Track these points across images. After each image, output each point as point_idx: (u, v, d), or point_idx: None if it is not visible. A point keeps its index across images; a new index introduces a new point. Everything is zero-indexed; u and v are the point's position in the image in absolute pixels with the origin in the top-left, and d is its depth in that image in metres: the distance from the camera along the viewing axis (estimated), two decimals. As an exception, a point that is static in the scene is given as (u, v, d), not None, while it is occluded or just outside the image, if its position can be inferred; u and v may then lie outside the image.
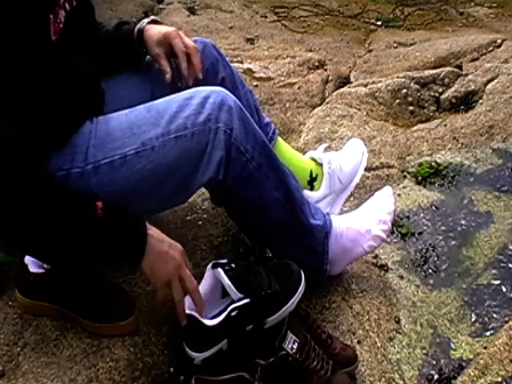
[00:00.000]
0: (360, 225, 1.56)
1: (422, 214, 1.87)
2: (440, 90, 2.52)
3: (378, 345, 1.45)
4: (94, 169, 1.24)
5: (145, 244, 1.17)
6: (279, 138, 1.72)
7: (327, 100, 2.56)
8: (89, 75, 1.32)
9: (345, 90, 2.61)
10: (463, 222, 1.83)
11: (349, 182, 1.74)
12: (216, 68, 1.61)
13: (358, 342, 1.45)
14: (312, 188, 1.70)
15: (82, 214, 1.14)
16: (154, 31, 1.49)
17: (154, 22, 1.51)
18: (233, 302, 1.25)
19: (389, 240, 1.79)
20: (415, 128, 2.33)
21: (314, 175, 1.70)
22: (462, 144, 2.15)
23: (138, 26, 1.49)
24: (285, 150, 1.73)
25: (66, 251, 1.16)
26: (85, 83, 1.28)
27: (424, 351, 1.46)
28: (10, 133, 1.08)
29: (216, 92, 1.31)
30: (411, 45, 3.27)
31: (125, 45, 1.48)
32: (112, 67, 1.48)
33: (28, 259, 1.30)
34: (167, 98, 1.32)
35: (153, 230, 1.20)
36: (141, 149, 1.25)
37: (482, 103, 2.37)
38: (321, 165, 1.71)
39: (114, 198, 1.19)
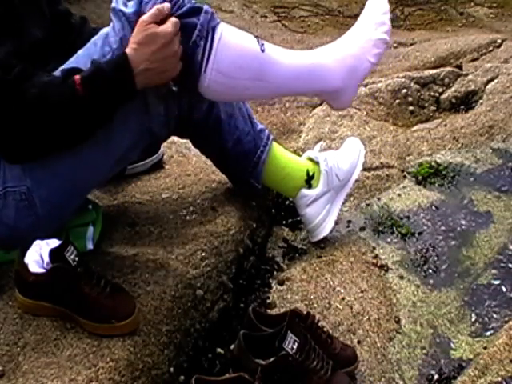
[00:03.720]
0: (359, 38, 1.52)
1: (422, 214, 1.87)
2: (440, 90, 2.52)
3: (378, 345, 1.45)
4: None
5: (133, 79, 1.30)
6: (274, 143, 1.73)
7: (327, 100, 2.55)
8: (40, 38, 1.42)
9: (345, 89, 2.61)
10: (463, 222, 1.83)
11: (347, 179, 1.75)
12: None
13: (358, 342, 1.45)
14: (310, 186, 1.71)
15: (63, 97, 1.28)
16: None
17: None
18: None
19: (389, 240, 1.79)
20: (415, 128, 2.33)
21: (310, 174, 1.71)
22: (462, 144, 2.15)
23: None
24: (280, 153, 1.73)
25: (64, 134, 1.32)
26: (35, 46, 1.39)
27: (424, 351, 1.46)
28: None
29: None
30: (411, 45, 3.27)
31: None
32: None
33: (28, 259, 1.30)
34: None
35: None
36: None
37: (482, 103, 2.37)
38: (318, 163, 1.72)
39: None
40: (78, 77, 1.28)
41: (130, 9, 1.34)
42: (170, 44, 1.31)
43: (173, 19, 1.32)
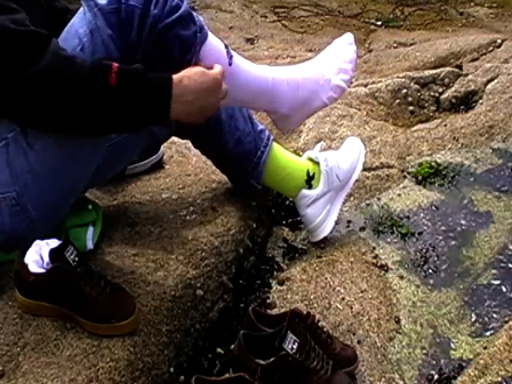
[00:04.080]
0: (319, 75, 1.52)
1: (422, 214, 1.87)
2: (440, 89, 2.52)
3: (378, 345, 1.45)
4: None
5: (169, 103, 1.24)
6: (274, 143, 1.73)
7: (327, 100, 2.55)
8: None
9: (345, 90, 2.61)
10: (463, 221, 1.83)
11: (348, 179, 1.75)
12: None
13: (358, 342, 1.45)
14: (310, 187, 1.71)
15: (95, 85, 1.20)
16: None
17: None
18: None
19: (389, 240, 1.79)
20: (415, 128, 2.33)
21: (311, 174, 1.71)
22: (462, 144, 2.15)
23: None
24: (280, 153, 1.74)
25: (87, 121, 1.24)
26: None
27: (424, 351, 1.46)
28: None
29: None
30: (411, 45, 3.27)
31: None
32: None
33: (28, 259, 1.30)
34: None
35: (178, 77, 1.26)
36: None
37: (482, 103, 2.37)
38: (318, 163, 1.72)
39: None
40: (116, 64, 1.21)
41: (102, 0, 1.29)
42: (216, 90, 1.31)
43: (220, 68, 1.32)
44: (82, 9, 1.31)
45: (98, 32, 1.28)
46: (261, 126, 1.73)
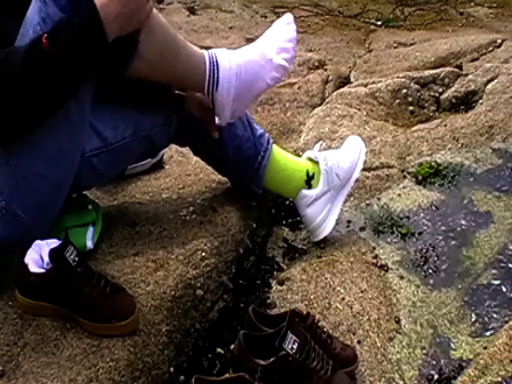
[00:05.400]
0: (260, 56, 1.51)
1: (422, 214, 1.87)
2: (440, 89, 2.52)
3: (378, 345, 1.45)
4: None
5: (103, 31, 1.23)
6: (274, 146, 1.73)
7: (327, 100, 2.56)
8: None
9: (345, 90, 2.61)
10: (463, 222, 1.83)
11: (348, 178, 1.74)
12: None
13: (358, 342, 1.45)
14: (310, 187, 1.70)
15: (31, 56, 1.22)
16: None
17: None
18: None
19: (389, 240, 1.79)
20: (415, 128, 2.32)
21: (310, 174, 1.71)
22: (462, 144, 2.15)
23: None
24: (279, 155, 1.73)
25: (46, 94, 1.26)
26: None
27: (424, 351, 1.46)
28: None
29: None
30: (411, 45, 3.27)
31: None
32: None
33: (28, 259, 1.30)
34: None
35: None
36: None
37: (482, 103, 2.37)
38: (317, 163, 1.71)
39: None
40: (45, 34, 1.22)
41: None
42: None
43: None
44: None
45: (49, 18, 1.27)
46: (260, 131, 1.72)
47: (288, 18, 1.58)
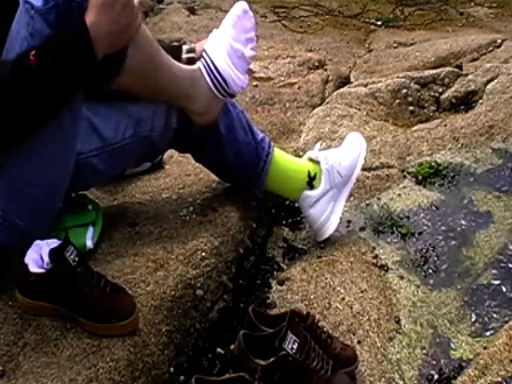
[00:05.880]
0: (233, 54, 1.56)
1: (422, 214, 1.87)
2: (440, 89, 2.52)
3: (378, 345, 1.45)
4: None
5: (91, 47, 1.23)
6: (275, 149, 1.72)
7: (327, 100, 2.56)
8: None
9: (345, 90, 2.61)
10: (463, 222, 1.83)
11: (350, 175, 1.74)
12: None
13: (358, 342, 1.45)
14: (312, 187, 1.70)
15: (18, 72, 1.21)
16: None
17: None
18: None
19: (389, 240, 1.79)
20: (415, 128, 2.32)
21: (312, 175, 1.70)
22: (462, 144, 2.15)
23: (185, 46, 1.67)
24: (280, 158, 1.73)
25: (32, 109, 1.26)
26: None
27: (424, 351, 1.46)
28: None
29: None
30: (411, 45, 3.27)
31: None
32: None
33: (28, 259, 1.30)
34: None
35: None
36: None
37: (482, 103, 2.37)
38: (318, 163, 1.71)
39: None
40: (33, 51, 1.21)
41: (38, 1, 1.26)
42: (128, 2, 1.27)
43: None
44: (18, 12, 1.29)
45: (37, 34, 1.26)
46: (261, 135, 1.72)
47: (241, 6, 1.60)
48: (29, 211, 1.36)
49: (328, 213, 1.72)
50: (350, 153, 1.75)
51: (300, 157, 1.82)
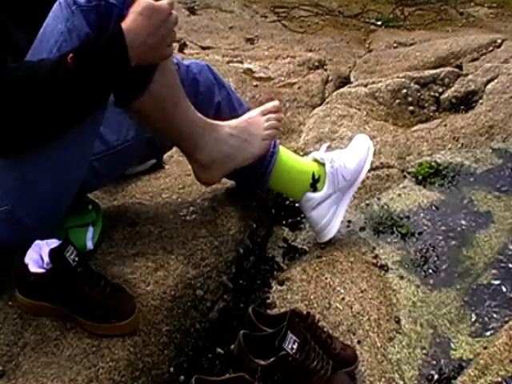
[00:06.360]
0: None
1: (422, 214, 1.87)
2: (440, 89, 2.52)
3: (378, 345, 1.45)
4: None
5: (126, 56, 1.25)
6: (280, 147, 1.72)
7: (327, 100, 2.56)
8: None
9: (345, 89, 2.61)
10: (463, 222, 1.83)
11: (355, 179, 1.73)
12: (212, 92, 1.64)
13: (358, 342, 1.45)
14: (315, 190, 1.69)
15: (51, 75, 1.23)
16: None
17: None
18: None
19: (389, 240, 1.79)
20: (415, 128, 2.33)
21: (316, 177, 1.69)
22: (462, 144, 2.15)
23: None
24: (286, 157, 1.72)
25: (66, 112, 1.27)
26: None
27: (424, 351, 1.46)
28: None
29: None
30: (411, 45, 3.28)
31: None
32: None
33: (28, 259, 1.30)
34: None
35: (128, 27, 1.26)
36: None
37: (482, 103, 2.37)
38: (323, 165, 1.70)
39: None
40: (70, 54, 1.23)
41: None
42: (166, 20, 1.29)
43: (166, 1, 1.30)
44: (56, 6, 1.30)
45: (75, 30, 1.27)
46: None
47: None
48: (38, 210, 1.36)
49: (330, 216, 1.71)
50: (356, 156, 1.73)
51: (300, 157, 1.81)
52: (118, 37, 1.25)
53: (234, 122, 1.61)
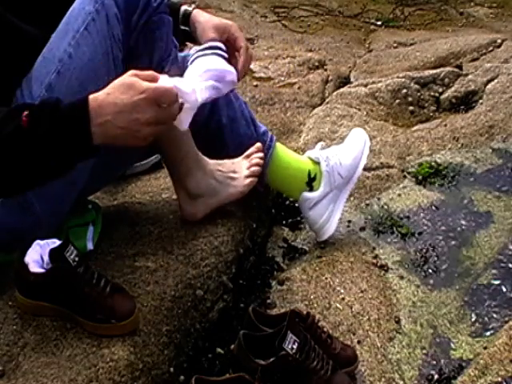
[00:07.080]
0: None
1: (422, 214, 1.87)
2: (440, 90, 2.52)
3: (378, 345, 1.45)
4: None
5: (87, 127, 1.08)
6: (277, 143, 1.72)
7: (327, 100, 2.56)
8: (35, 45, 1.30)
9: (345, 89, 2.61)
10: (463, 222, 1.83)
11: (351, 175, 1.72)
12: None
13: (358, 342, 1.45)
14: (311, 189, 1.70)
15: (6, 127, 1.09)
16: (212, 18, 1.65)
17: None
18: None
19: (389, 240, 1.79)
20: (415, 128, 2.33)
21: (312, 176, 1.69)
22: (462, 144, 2.15)
23: (185, 7, 1.61)
24: (282, 154, 1.72)
25: (12, 175, 1.15)
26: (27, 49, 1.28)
27: (424, 351, 1.46)
28: None
29: None
30: (411, 45, 3.27)
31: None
32: None
33: (28, 259, 1.30)
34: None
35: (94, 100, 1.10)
36: (60, 65, 1.27)
37: (482, 103, 2.37)
38: (319, 164, 1.70)
39: None
40: (25, 112, 1.10)
41: None
42: (145, 106, 1.10)
43: (161, 86, 1.12)
44: None
45: (104, 10, 1.25)
46: (263, 128, 1.72)
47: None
48: (48, 198, 1.35)
49: (328, 214, 1.71)
50: (352, 151, 1.73)
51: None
52: (82, 105, 1.10)
53: (219, 161, 1.62)
